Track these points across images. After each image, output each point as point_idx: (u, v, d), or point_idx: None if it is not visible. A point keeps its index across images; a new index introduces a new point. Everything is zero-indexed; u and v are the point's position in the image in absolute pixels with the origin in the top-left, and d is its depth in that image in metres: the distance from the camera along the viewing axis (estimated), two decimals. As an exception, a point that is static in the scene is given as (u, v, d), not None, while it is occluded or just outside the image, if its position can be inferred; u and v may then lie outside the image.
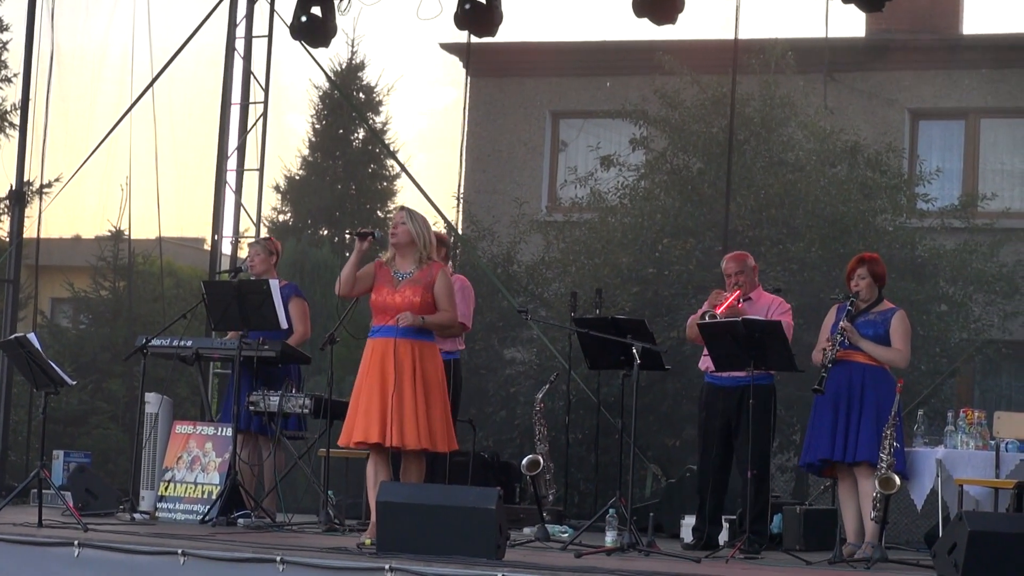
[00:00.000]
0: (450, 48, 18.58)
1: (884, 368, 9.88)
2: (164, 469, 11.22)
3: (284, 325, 10.82)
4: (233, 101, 14.86)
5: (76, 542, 8.62)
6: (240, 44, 14.88)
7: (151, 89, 14.93)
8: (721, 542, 10.45)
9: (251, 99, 14.86)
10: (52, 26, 14.74)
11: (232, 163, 14.80)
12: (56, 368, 10.33)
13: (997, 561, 8.07)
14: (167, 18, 15.42)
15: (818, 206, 15.19)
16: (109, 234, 17.63)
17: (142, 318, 16.76)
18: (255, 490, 11.01)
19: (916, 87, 17.72)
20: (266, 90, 14.87)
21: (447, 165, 17.64)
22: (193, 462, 11.08)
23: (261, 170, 14.88)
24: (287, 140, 18.91)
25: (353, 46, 19.21)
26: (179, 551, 8.30)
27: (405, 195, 19.15)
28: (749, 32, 15.08)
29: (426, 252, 9.33)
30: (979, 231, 15.88)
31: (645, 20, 12.80)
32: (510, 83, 19.05)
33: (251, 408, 10.86)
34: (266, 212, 17.05)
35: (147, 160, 15.37)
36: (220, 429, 11.10)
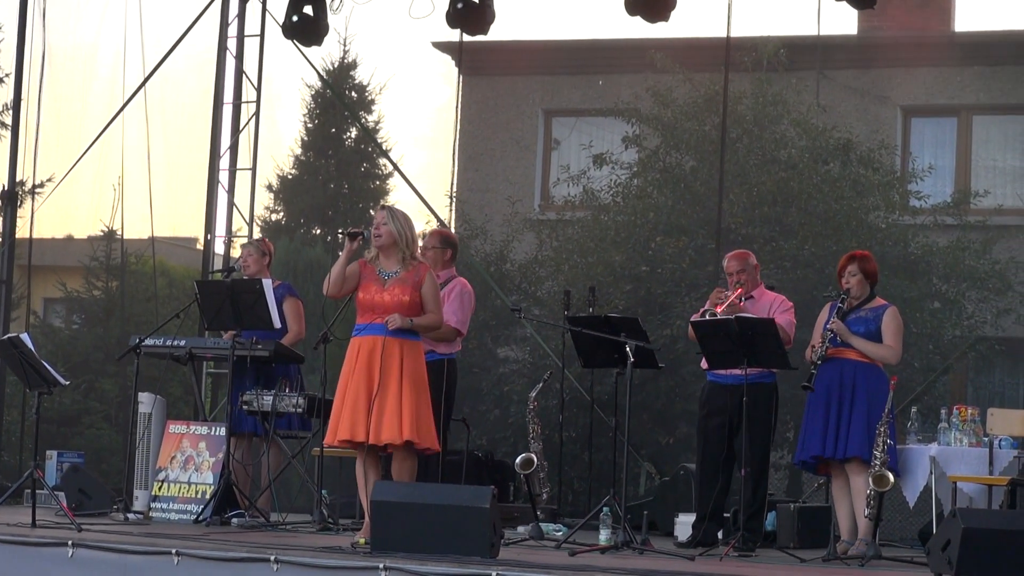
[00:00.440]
0: (442, 47, 18.58)
1: (876, 365, 9.89)
2: (158, 469, 11.21)
3: (277, 325, 10.81)
4: (225, 100, 14.86)
5: (70, 542, 8.61)
6: (232, 43, 14.88)
7: (143, 89, 14.93)
8: (720, 538, 10.45)
9: (243, 98, 14.86)
10: (44, 26, 14.73)
11: (225, 162, 14.81)
12: (49, 368, 10.32)
13: (991, 558, 8.08)
14: (159, 18, 15.44)
15: (811, 203, 15.20)
16: (102, 234, 17.61)
17: (135, 318, 16.75)
18: (249, 490, 11.01)
19: (908, 84, 17.72)
20: (258, 89, 14.87)
21: (440, 164, 17.64)
22: (187, 462, 11.06)
23: (254, 169, 14.89)
24: (279, 139, 18.90)
25: (345, 45, 19.19)
26: (173, 551, 8.30)
27: (398, 194, 19.17)
28: (741, 30, 15.13)
29: (409, 251, 9.32)
30: (972, 228, 15.89)
31: (637, 18, 12.79)
32: (502, 81, 19.05)
33: (244, 408, 10.86)
34: (259, 211, 17.02)
35: (139, 160, 15.37)
36: (213, 428, 11.10)
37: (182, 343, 11.28)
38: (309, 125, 19.37)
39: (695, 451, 10.87)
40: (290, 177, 19.28)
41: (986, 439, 10.80)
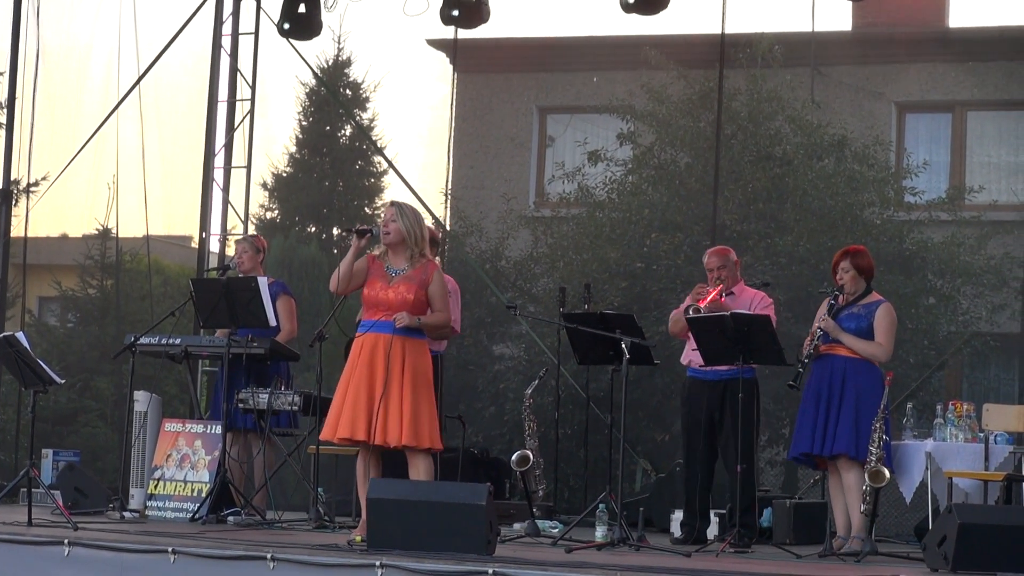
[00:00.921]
0: (437, 44, 18.56)
1: (868, 361, 9.89)
2: (153, 467, 11.21)
3: (273, 323, 10.80)
4: (220, 98, 14.86)
5: (66, 541, 8.61)
6: (227, 41, 14.87)
7: (138, 87, 14.93)
8: (710, 536, 10.46)
9: (238, 96, 14.86)
10: (38, 24, 14.74)
11: (219, 160, 14.80)
12: (44, 367, 10.32)
13: (987, 553, 8.10)
14: (153, 15, 15.43)
15: (806, 200, 15.20)
16: (96, 232, 17.59)
17: (130, 316, 16.73)
18: (245, 487, 11.01)
19: (903, 80, 17.71)
20: (253, 87, 14.86)
21: (434, 161, 17.59)
22: (182, 460, 11.06)
23: (248, 167, 14.88)
24: (274, 137, 18.90)
25: (339, 43, 19.18)
26: (169, 549, 8.30)
27: (393, 191, 19.16)
28: (736, 26, 15.08)
29: (418, 249, 9.29)
30: (966, 224, 15.87)
31: (632, 15, 12.80)
32: (497, 79, 19.03)
33: (240, 406, 10.85)
34: (253, 209, 17.03)
35: (134, 158, 15.37)
36: (209, 427, 11.09)
37: (177, 341, 11.28)
38: (304, 123, 19.36)
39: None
40: (285, 175, 19.28)
41: (981, 435, 10.81)
